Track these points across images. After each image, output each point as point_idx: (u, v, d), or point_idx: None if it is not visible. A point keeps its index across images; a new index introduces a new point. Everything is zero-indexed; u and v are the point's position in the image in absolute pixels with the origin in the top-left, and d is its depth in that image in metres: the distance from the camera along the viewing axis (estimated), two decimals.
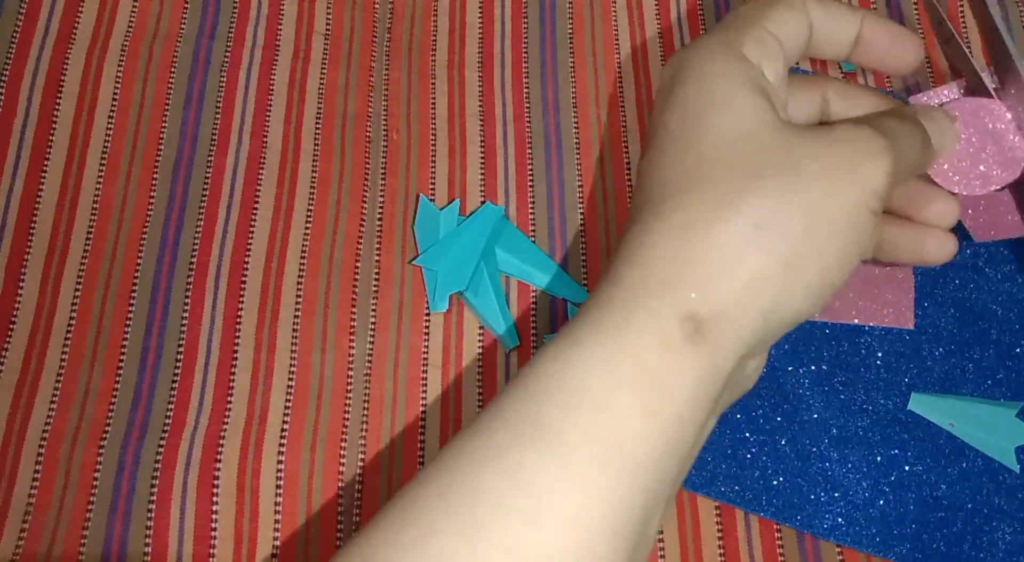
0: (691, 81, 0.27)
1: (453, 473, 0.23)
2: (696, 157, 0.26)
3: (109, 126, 0.48)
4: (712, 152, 0.26)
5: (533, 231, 0.47)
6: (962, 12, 0.53)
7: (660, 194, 0.26)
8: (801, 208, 0.25)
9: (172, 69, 0.50)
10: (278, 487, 0.41)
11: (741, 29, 0.28)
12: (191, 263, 0.45)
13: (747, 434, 0.42)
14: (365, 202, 0.47)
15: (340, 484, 0.41)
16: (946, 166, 0.30)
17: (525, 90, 0.50)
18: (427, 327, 0.45)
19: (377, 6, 0.52)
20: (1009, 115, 0.30)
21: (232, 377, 0.43)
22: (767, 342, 0.26)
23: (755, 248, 0.25)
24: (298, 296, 0.45)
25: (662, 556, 0.41)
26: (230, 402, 0.43)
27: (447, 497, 0.23)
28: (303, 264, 0.46)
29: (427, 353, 0.44)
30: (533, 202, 0.47)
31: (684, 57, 0.28)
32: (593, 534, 0.22)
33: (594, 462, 0.23)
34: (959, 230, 0.45)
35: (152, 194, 0.47)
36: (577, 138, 0.49)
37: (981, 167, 0.30)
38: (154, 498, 0.41)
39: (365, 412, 0.43)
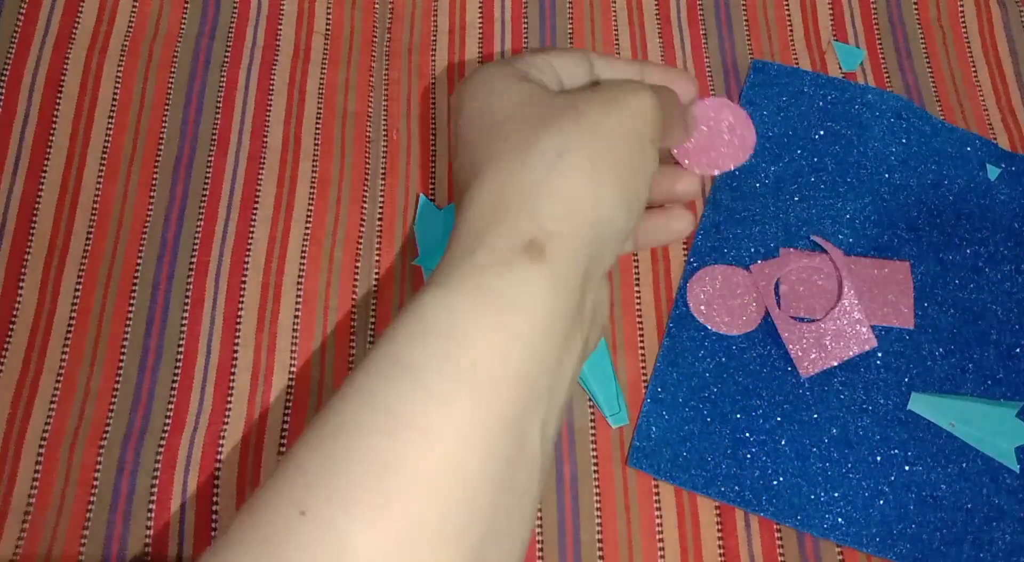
0: (477, 88, 0.32)
1: (321, 425, 0.25)
2: (490, 127, 0.30)
3: (109, 126, 0.48)
4: (503, 119, 0.30)
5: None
6: (962, 12, 0.53)
7: (472, 171, 0.30)
8: (588, 132, 0.29)
9: (172, 69, 0.50)
10: None
11: (523, 59, 0.33)
12: (191, 263, 0.45)
13: (747, 434, 0.42)
14: (365, 202, 0.47)
15: None
16: (691, 150, 0.36)
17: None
18: None
19: (377, 6, 0.52)
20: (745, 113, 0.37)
21: (232, 377, 0.43)
22: (601, 261, 0.29)
23: (563, 171, 0.28)
24: (298, 296, 0.45)
25: (662, 556, 0.41)
26: (230, 402, 0.43)
27: (317, 443, 0.24)
28: (303, 264, 0.46)
29: None
30: None
31: (468, 78, 0.33)
32: (456, 444, 0.24)
33: (449, 382, 0.25)
34: (958, 235, 0.45)
35: (152, 194, 0.47)
36: None
37: (720, 151, 0.37)
38: (154, 498, 0.41)
39: None
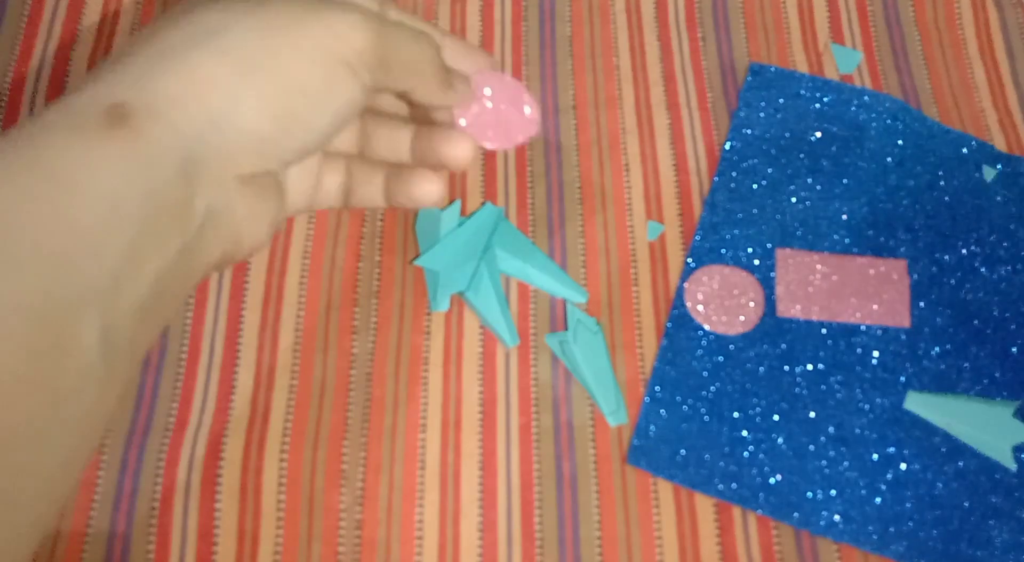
0: None
1: None
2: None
3: None
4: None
5: (533, 231, 0.47)
6: (958, 14, 0.53)
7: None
8: (262, 27, 0.26)
9: None
10: (281, 485, 0.41)
11: None
12: None
13: (744, 432, 0.42)
14: None
15: (342, 482, 0.41)
16: (480, 125, 0.36)
17: None
18: (428, 327, 0.45)
19: None
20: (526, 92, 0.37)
21: (235, 376, 0.44)
22: (221, 162, 0.26)
23: (204, 50, 0.25)
24: (300, 296, 0.45)
25: (660, 553, 0.41)
26: (233, 401, 0.43)
27: None
28: (305, 264, 0.46)
29: (428, 353, 0.44)
30: (533, 202, 0.48)
31: None
32: None
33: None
34: (955, 236, 0.46)
35: None
36: (576, 140, 0.49)
37: (507, 127, 0.37)
38: (157, 497, 0.41)
39: (367, 411, 0.43)
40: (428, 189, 0.34)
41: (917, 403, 0.43)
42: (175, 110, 0.25)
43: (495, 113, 0.37)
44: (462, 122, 0.36)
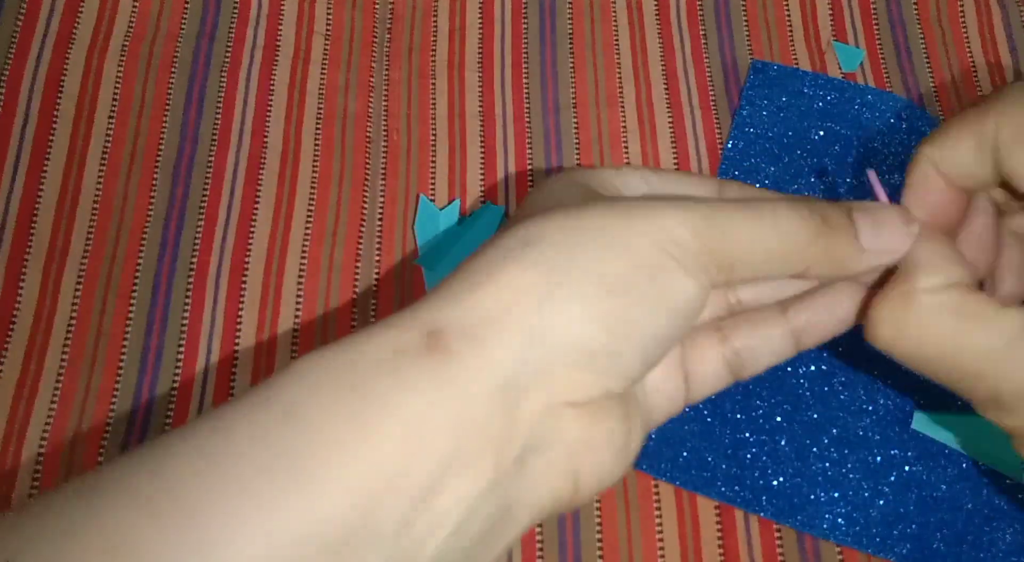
0: (540, 187, 0.28)
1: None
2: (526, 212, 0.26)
3: (109, 126, 0.48)
4: (540, 206, 0.25)
5: None
6: (962, 12, 0.53)
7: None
8: (581, 228, 0.24)
9: (172, 69, 0.50)
10: None
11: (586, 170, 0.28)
12: (191, 263, 0.45)
13: (747, 434, 0.42)
14: (365, 202, 0.47)
15: None
16: None
17: (525, 90, 0.50)
18: None
19: (377, 7, 0.52)
20: None
21: (233, 377, 0.43)
22: (550, 384, 0.23)
23: (518, 262, 0.23)
24: (298, 296, 0.45)
25: (662, 556, 0.41)
26: None
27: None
28: (303, 264, 0.46)
29: None
30: None
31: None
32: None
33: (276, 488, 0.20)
34: None
35: (152, 194, 0.47)
36: (577, 138, 0.49)
37: None
38: None
39: None
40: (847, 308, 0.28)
41: (924, 424, 0.42)
42: (489, 329, 0.22)
43: None
44: None
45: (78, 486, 0.20)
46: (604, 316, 0.23)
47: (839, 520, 0.41)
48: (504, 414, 0.22)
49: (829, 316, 0.29)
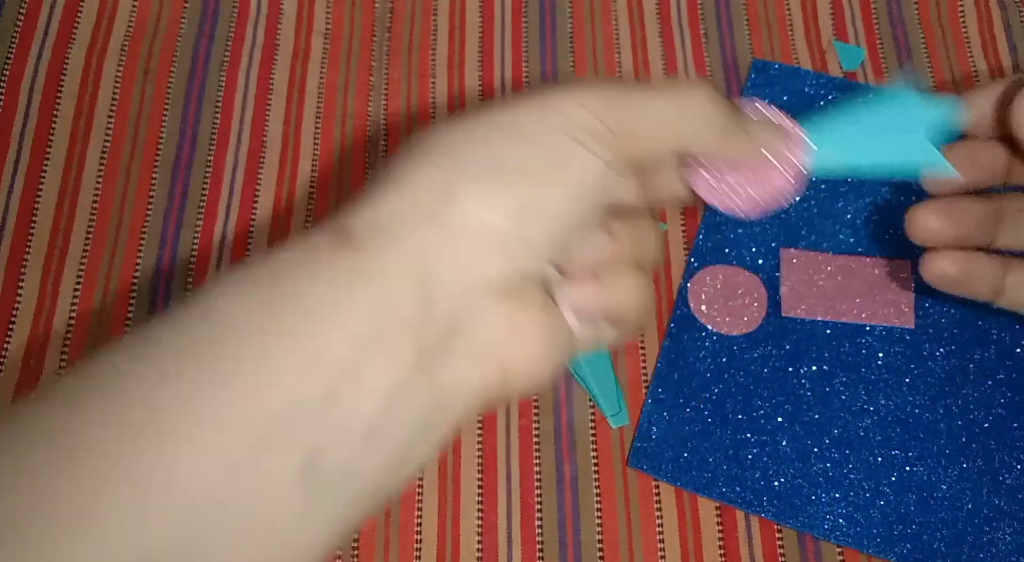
0: None
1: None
2: None
3: (109, 126, 0.48)
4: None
5: None
6: (962, 11, 0.53)
7: None
8: (479, 125, 0.25)
9: (172, 69, 0.50)
10: None
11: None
12: (191, 263, 0.45)
13: (748, 435, 0.42)
14: None
15: None
16: (724, 183, 0.29)
17: (525, 90, 0.50)
18: None
19: (377, 6, 0.52)
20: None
21: None
22: (462, 266, 0.24)
23: (419, 163, 0.24)
24: None
25: (662, 556, 0.41)
26: None
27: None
28: None
29: None
30: None
31: None
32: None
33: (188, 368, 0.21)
34: None
35: (152, 193, 0.47)
36: None
37: (763, 182, 0.30)
38: None
39: None
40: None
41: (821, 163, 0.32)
42: (395, 222, 0.23)
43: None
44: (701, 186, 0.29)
45: (21, 406, 0.21)
46: (506, 201, 0.24)
47: (840, 521, 0.41)
48: (418, 299, 0.23)
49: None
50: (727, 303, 0.45)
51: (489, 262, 0.24)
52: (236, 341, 0.21)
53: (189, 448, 0.20)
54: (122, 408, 0.20)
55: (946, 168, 0.30)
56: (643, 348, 0.44)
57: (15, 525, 0.19)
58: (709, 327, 0.44)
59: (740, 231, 0.46)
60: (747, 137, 0.28)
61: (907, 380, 0.43)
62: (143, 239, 0.46)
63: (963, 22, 0.53)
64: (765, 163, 0.29)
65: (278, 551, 0.21)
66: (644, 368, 0.44)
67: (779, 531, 0.41)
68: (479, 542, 0.41)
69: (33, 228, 0.45)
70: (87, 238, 0.46)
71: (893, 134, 0.31)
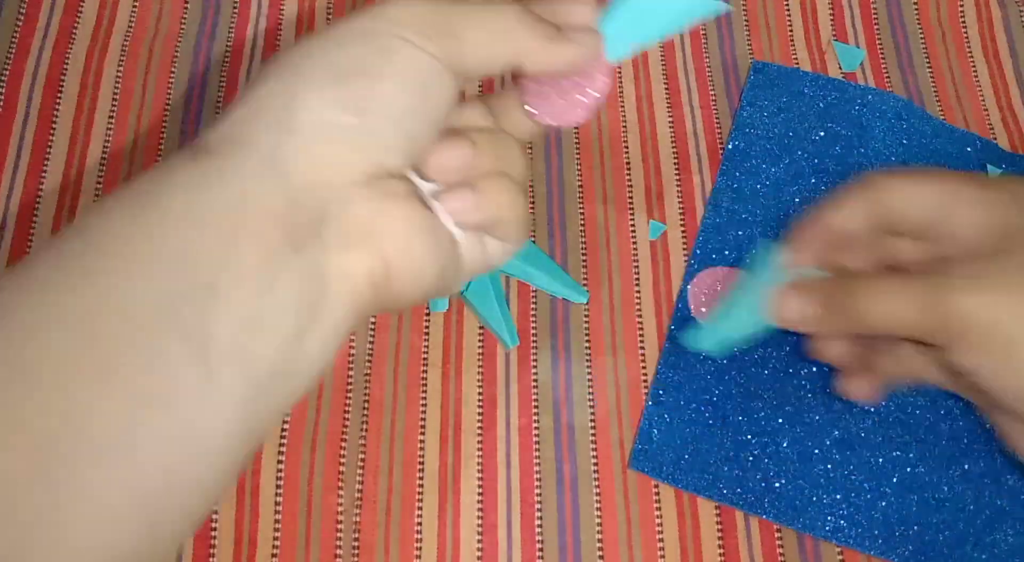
0: None
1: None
2: None
3: (109, 126, 0.48)
4: None
5: (533, 231, 0.46)
6: (962, 12, 0.53)
7: None
8: (310, 39, 0.27)
9: (172, 69, 0.50)
10: (278, 487, 0.41)
11: None
12: None
13: (749, 436, 0.42)
14: None
15: (340, 484, 0.41)
16: (541, 95, 0.32)
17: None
18: (427, 327, 0.44)
19: None
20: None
21: None
22: (317, 157, 0.26)
23: (259, 82, 0.26)
24: None
25: (662, 556, 0.41)
26: None
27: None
28: None
29: (427, 353, 0.44)
30: (533, 202, 0.47)
31: None
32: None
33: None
34: None
35: None
36: (577, 138, 0.49)
37: (572, 96, 0.32)
38: None
39: (365, 412, 0.43)
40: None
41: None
42: (243, 128, 0.25)
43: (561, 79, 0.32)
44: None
45: None
46: (344, 97, 0.26)
47: (841, 522, 0.41)
48: (280, 193, 0.25)
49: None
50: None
51: (342, 156, 0.26)
52: (107, 249, 0.23)
53: (75, 344, 0.22)
54: (12, 316, 0.22)
55: (717, 7, 0.33)
56: (643, 350, 0.44)
57: None
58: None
59: (740, 233, 0.46)
60: (570, 42, 0.30)
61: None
62: None
63: (963, 22, 0.53)
64: (585, 68, 0.31)
65: (183, 429, 0.22)
66: (644, 370, 0.44)
67: (779, 531, 0.41)
68: (479, 542, 0.41)
69: (33, 228, 0.45)
70: None
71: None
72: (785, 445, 0.42)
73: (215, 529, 0.40)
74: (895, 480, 0.41)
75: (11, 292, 0.22)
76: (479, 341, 0.44)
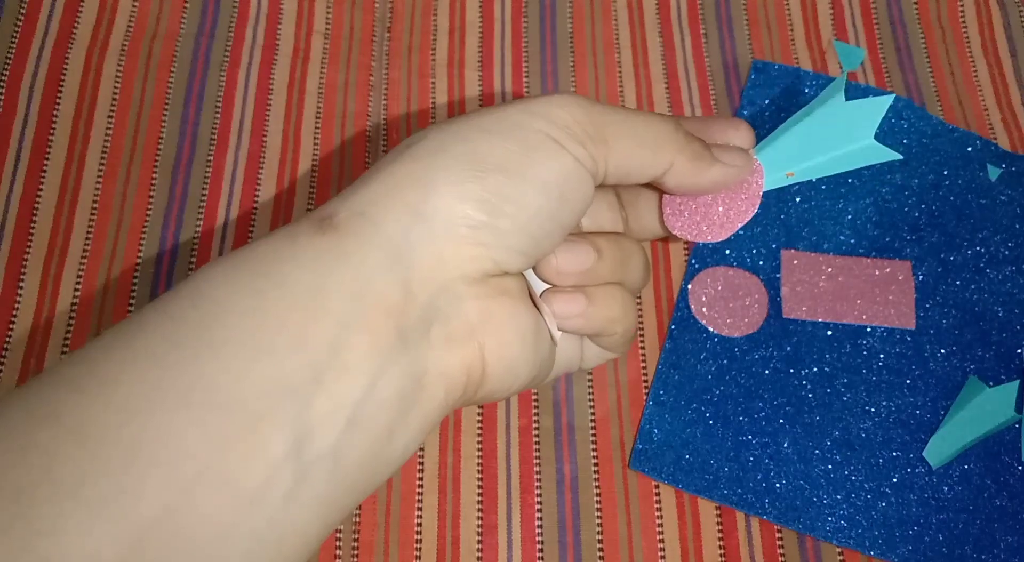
0: None
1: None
2: None
3: (109, 126, 0.48)
4: None
5: None
6: (962, 12, 0.53)
7: None
8: (459, 124, 0.26)
9: (172, 69, 0.50)
10: None
11: None
12: (191, 262, 0.45)
13: (749, 437, 0.42)
14: None
15: None
16: (691, 213, 0.31)
17: (525, 90, 0.50)
18: None
19: (377, 6, 0.52)
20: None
21: None
22: (433, 255, 0.25)
23: (401, 158, 0.25)
24: None
25: (662, 556, 0.41)
26: None
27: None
28: None
29: None
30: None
31: None
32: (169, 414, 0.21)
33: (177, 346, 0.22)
34: (960, 235, 0.45)
35: (151, 193, 0.47)
36: None
37: (727, 209, 0.31)
38: None
39: None
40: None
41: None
42: (374, 209, 0.24)
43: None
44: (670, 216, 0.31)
45: (25, 388, 0.22)
46: (480, 193, 0.25)
47: (842, 522, 0.41)
48: (398, 283, 0.24)
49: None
50: (728, 304, 0.44)
51: (464, 251, 0.25)
52: (225, 324, 0.22)
53: (182, 425, 0.21)
54: (114, 388, 0.21)
55: (889, 154, 0.32)
56: (643, 350, 0.44)
57: (17, 497, 0.19)
58: (710, 329, 0.44)
59: (740, 233, 0.46)
60: (716, 162, 0.29)
61: (908, 381, 0.43)
62: (143, 239, 0.46)
63: (963, 22, 0.53)
64: (731, 189, 0.31)
65: (269, 529, 0.22)
66: (645, 370, 0.44)
67: (779, 532, 0.41)
68: (479, 542, 0.41)
69: (33, 228, 0.45)
70: (87, 238, 0.46)
71: (833, 135, 0.32)
72: (785, 445, 0.42)
73: None
74: (895, 480, 0.41)
75: (118, 363, 0.21)
76: None
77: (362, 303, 0.23)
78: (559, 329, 0.29)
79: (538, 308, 0.28)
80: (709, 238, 0.32)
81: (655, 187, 0.31)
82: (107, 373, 0.21)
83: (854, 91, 0.49)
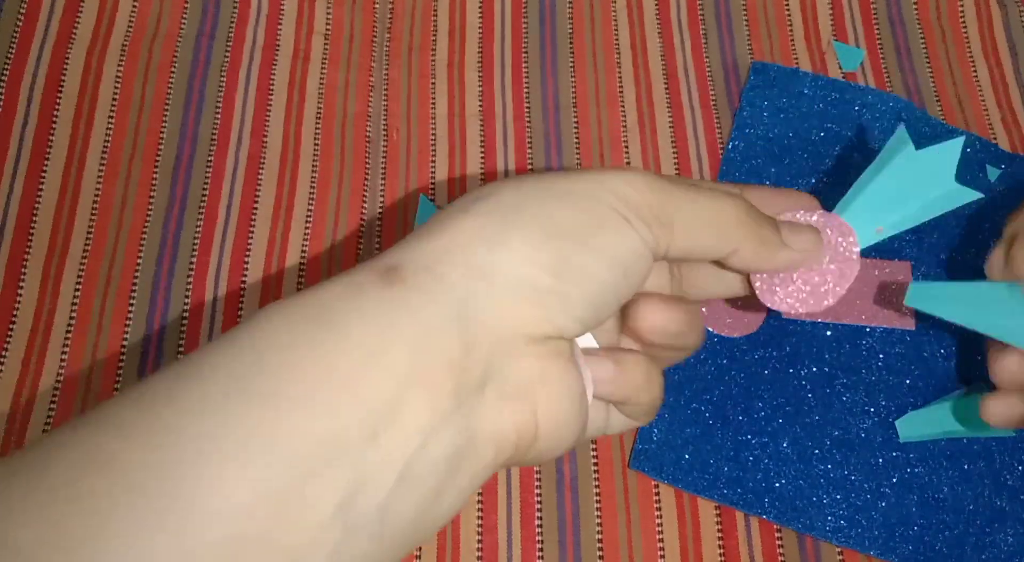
0: None
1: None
2: None
3: (109, 126, 0.48)
4: None
5: None
6: (961, 12, 0.53)
7: None
8: (531, 184, 0.26)
9: (172, 69, 0.50)
10: None
11: None
12: (191, 263, 0.45)
13: (749, 436, 0.42)
14: (365, 202, 0.47)
15: None
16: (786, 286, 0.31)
17: (525, 90, 0.50)
18: None
19: (377, 6, 0.52)
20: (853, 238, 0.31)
21: None
22: (502, 317, 0.24)
23: (471, 212, 0.25)
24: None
25: (662, 556, 0.41)
26: None
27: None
28: (303, 264, 0.46)
29: None
30: None
31: None
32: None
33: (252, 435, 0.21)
34: (959, 236, 0.45)
35: (152, 194, 0.47)
36: (577, 138, 0.49)
37: (823, 281, 0.31)
38: None
39: None
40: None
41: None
42: (442, 264, 0.24)
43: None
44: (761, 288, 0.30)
45: (69, 429, 0.21)
46: (550, 258, 0.25)
47: (841, 522, 0.41)
48: (459, 340, 0.23)
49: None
50: (728, 305, 0.44)
51: (526, 312, 0.25)
52: (285, 374, 0.22)
53: (234, 478, 0.20)
54: (168, 436, 0.21)
55: (971, 195, 0.32)
56: None
57: (76, 547, 0.19)
58: (710, 329, 0.44)
59: None
60: (784, 247, 0.29)
61: (908, 381, 0.43)
62: (143, 239, 0.46)
63: (963, 22, 0.53)
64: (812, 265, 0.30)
65: None
66: None
67: (778, 531, 0.41)
68: (479, 542, 0.41)
69: (33, 228, 0.45)
70: (87, 238, 0.46)
71: (915, 185, 0.32)
72: (785, 445, 0.42)
73: None
74: (895, 480, 0.41)
75: (176, 412, 0.21)
76: None
77: (423, 358, 0.23)
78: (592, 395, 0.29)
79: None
80: (814, 309, 0.31)
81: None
82: (158, 418, 0.21)
83: (852, 90, 0.49)
